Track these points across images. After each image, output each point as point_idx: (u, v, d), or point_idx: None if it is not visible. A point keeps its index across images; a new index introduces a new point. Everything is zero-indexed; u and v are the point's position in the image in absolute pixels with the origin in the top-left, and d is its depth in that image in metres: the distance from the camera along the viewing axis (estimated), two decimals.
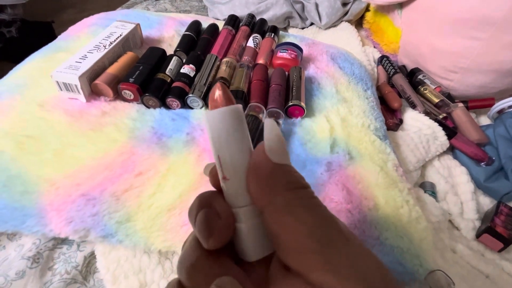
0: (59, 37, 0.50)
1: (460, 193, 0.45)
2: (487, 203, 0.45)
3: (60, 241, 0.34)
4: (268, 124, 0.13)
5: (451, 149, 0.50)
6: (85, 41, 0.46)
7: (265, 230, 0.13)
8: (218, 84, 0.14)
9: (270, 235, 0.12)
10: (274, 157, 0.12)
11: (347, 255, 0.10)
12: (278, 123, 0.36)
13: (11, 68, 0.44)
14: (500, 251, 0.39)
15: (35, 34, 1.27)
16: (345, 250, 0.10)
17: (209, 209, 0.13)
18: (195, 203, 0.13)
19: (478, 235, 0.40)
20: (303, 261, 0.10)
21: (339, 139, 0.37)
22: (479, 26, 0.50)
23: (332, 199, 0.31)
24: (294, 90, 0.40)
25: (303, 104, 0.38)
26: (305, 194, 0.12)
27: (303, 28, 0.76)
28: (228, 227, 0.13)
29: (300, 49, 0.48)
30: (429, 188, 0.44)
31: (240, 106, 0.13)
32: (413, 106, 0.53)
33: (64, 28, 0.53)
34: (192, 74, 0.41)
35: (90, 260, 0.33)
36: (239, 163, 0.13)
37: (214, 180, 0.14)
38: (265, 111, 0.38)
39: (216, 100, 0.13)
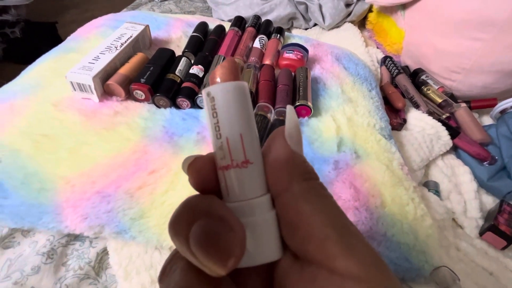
0: (68, 38, 0.51)
1: (464, 192, 0.45)
2: (490, 202, 0.46)
3: (73, 238, 0.35)
4: (290, 111, 0.12)
5: (454, 149, 0.51)
6: (95, 42, 0.47)
7: (277, 227, 0.11)
8: (226, 60, 0.12)
9: (286, 226, 0.11)
10: (293, 144, 0.11)
11: (363, 242, 0.10)
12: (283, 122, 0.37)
13: (15, 69, 0.45)
14: (503, 249, 0.39)
15: (39, 34, 1.27)
16: (361, 237, 0.10)
17: (213, 219, 0.10)
18: (183, 212, 0.10)
19: (481, 233, 0.40)
20: (325, 249, 0.10)
21: (345, 138, 0.38)
22: (482, 27, 0.51)
23: (340, 196, 0.32)
24: (301, 90, 0.40)
25: (310, 104, 0.39)
26: (319, 185, 0.12)
27: (306, 29, 0.77)
28: (244, 240, 0.10)
29: (306, 50, 0.49)
30: (433, 187, 0.45)
31: (245, 83, 0.12)
32: (417, 106, 0.54)
33: (67, 28, 0.54)
34: (201, 75, 0.42)
35: (102, 256, 0.34)
36: (257, 144, 0.11)
37: (199, 177, 0.11)
38: (273, 111, 0.38)
39: (224, 73, 0.11)
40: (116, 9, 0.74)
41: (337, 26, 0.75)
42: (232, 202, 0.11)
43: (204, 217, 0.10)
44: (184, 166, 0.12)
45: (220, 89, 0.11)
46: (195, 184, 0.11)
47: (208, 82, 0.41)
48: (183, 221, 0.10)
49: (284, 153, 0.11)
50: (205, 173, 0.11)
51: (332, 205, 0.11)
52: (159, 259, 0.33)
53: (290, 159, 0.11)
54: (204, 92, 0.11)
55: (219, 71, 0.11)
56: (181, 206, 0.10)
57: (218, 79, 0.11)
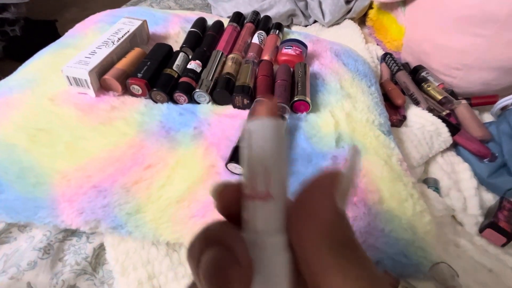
0: (66, 33, 0.50)
1: (463, 189, 0.45)
2: (490, 199, 0.45)
3: (70, 233, 0.35)
4: (354, 157, 0.11)
5: (454, 146, 0.50)
6: (92, 38, 0.47)
7: (289, 271, 0.10)
8: (267, 99, 0.13)
9: (302, 276, 0.10)
10: (342, 202, 0.10)
11: None
12: (284, 117, 0.37)
13: (15, 67, 0.44)
14: (503, 245, 0.39)
15: (39, 32, 1.27)
16: None
17: (222, 249, 0.10)
18: (199, 237, 0.10)
19: (481, 230, 0.40)
20: None
21: (344, 133, 0.38)
22: (483, 23, 0.50)
23: None
24: (299, 86, 0.40)
25: (308, 99, 0.39)
26: (359, 252, 0.10)
27: (306, 26, 0.77)
28: (249, 276, 0.09)
29: (305, 46, 0.48)
30: (433, 184, 0.45)
31: (283, 121, 0.12)
32: (417, 103, 0.54)
33: (67, 26, 0.53)
34: (198, 70, 0.41)
35: (99, 252, 0.34)
36: (285, 181, 0.11)
37: (223, 203, 0.11)
38: None
39: (262, 110, 0.12)
40: (116, 6, 0.74)
41: (337, 23, 0.75)
42: (248, 233, 0.11)
43: (216, 246, 0.10)
44: (212, 191, 0.11)
45: (256, 124, 0.11)
46: (219, 208, 0.11)
47: (205, 78, 0.41)
48: (197, 247, 0.10)
49: (328, 217, 0.10)
50: (230, 199, 0.11)
51: (369, 274, 0.09)
52: (156, 255, 0.33)
53: (334, 224, 0.10)
54: (244, 124, 0.12)
55: (259, 107, 0.12)
56: (198, 231, 0.10)
57: (256, 115, 0.12)
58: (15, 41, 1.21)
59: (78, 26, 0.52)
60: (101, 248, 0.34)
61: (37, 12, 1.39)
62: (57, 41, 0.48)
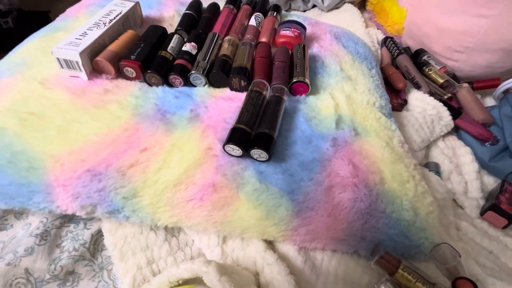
0: (57, 18, 0.49)
1: (465, 172, 0.44)
2: (491, 182, 0.45)
3: (67, 220, 0.34)
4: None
5: (456, 130, 0.49)
6: (83, 21, 0.45)
7: None
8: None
9: None
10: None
11: None
12: (282, 99, 0.36)
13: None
14: (504, 227, 0.39)
15: (32, 24, 1.24)
16: None
17: None
18: None
19: (482, 213, 0.40)
20: None
21: (344, 115, 0.37)
22: (487, 3, 0.49)
23: (338, 173, 0.31)
24: (298, 67, 0.39)
25: (307, 80, 0.38)
26: None
27: (304, 11, 0.75)
28: None
29: (304, 27, 0.47)
30: (434, 168, 0.44)
31: None
32: (418, 87, 0.53)
33: None
34: (194, 52, 0.40)
35: (97, 238, 0.34)
36: None
37: None
38: (269, 88, 0.37)
39: None
40: None
41: (337, 7, 0.73)
42: None
43: None
44: None
45: None
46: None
47: (201, 60, 0.39)
48: None
49: None
50: None
51: None
52: (155, 240, 0.32)
53: None
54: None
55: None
56: None
57: None
58: (8, 33, 1.19)
59: (69, 10, 0.50)
60: (99, 234, 0.34)
61: (30, 3, 1.35)
62: (48, 25, 0.46)
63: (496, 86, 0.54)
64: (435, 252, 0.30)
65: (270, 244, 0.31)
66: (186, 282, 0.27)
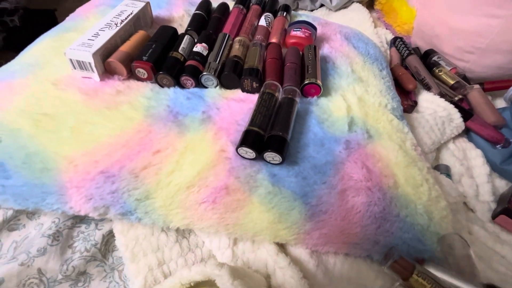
0: (67, 18, 0.49)
1: (476, 175, 0.44)
2: (502, 185, 0.44)
3: (79, 220, 0.34)
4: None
5: (466, 132, 0.49)
6: (94, 21, 0.45)
7: None
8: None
9: None
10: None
11: None
12: (294, 101, 0.36)
13: (15, 57, 0.43)
14: None
15: (38, 22, 1.24)
16: None
17: None
18: None
19: (494, 217, 0.39)
20: None
21: (356, 118, 0.36)
22: (500, 3, 0.48)
23: (352, 177, 0.31)
24: (309, 69, 0.39)
25: (319, 82, 0.37)
26: None
27: (312, 10, 0.74)
28: None
29: (314, 28, 0.46)
30: (444, 171, 0.44)
31: None
32: (428, 88, 0.52)
33: (66, 16, 0.51)
34: (205, 53, 0.40)
35: (108, 238, 0.34)
36: None
37: None
38: (281, 89, 0.37)
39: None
40: None
41: (345, 6, 0.72)
42: None
43: None
44: None
45: None
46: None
47: (212, 61, 0.39)
48: None
49: None
50: None
51: None
52: (166, 241, 0.32)
53: None
54: None
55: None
56: None
57: None
58: (15, 31, 1.19)
59: (79, 9, 0.50)
60: (110, 234, 0.34)
61: (36, 1, 1.36)
62: (58, 26, 0.46)
63: (508, 87, 0.54)
64: (443, 241, 0.30)
65: (281, 246, 0.31)
66: (198, 284, 0.27)
